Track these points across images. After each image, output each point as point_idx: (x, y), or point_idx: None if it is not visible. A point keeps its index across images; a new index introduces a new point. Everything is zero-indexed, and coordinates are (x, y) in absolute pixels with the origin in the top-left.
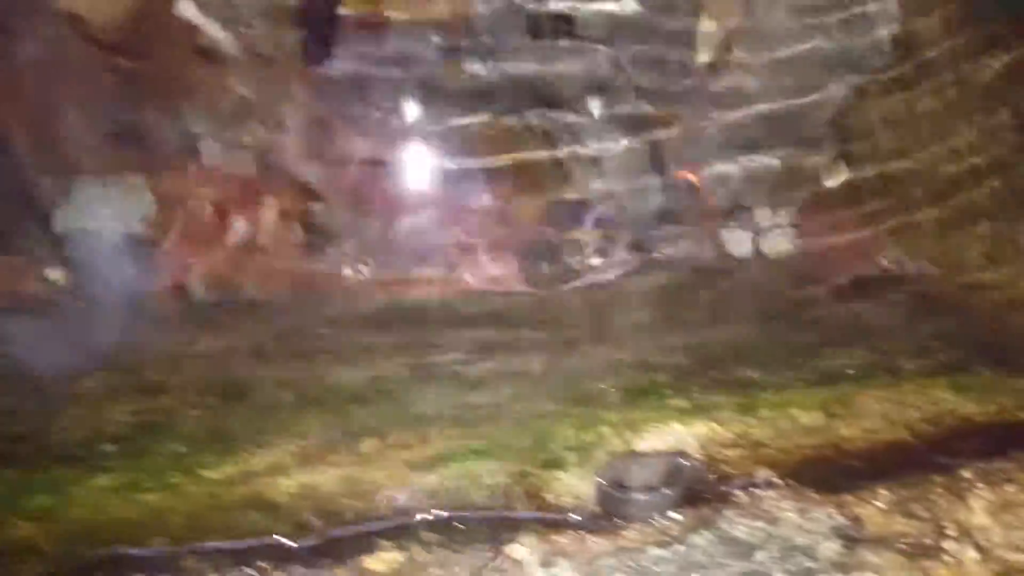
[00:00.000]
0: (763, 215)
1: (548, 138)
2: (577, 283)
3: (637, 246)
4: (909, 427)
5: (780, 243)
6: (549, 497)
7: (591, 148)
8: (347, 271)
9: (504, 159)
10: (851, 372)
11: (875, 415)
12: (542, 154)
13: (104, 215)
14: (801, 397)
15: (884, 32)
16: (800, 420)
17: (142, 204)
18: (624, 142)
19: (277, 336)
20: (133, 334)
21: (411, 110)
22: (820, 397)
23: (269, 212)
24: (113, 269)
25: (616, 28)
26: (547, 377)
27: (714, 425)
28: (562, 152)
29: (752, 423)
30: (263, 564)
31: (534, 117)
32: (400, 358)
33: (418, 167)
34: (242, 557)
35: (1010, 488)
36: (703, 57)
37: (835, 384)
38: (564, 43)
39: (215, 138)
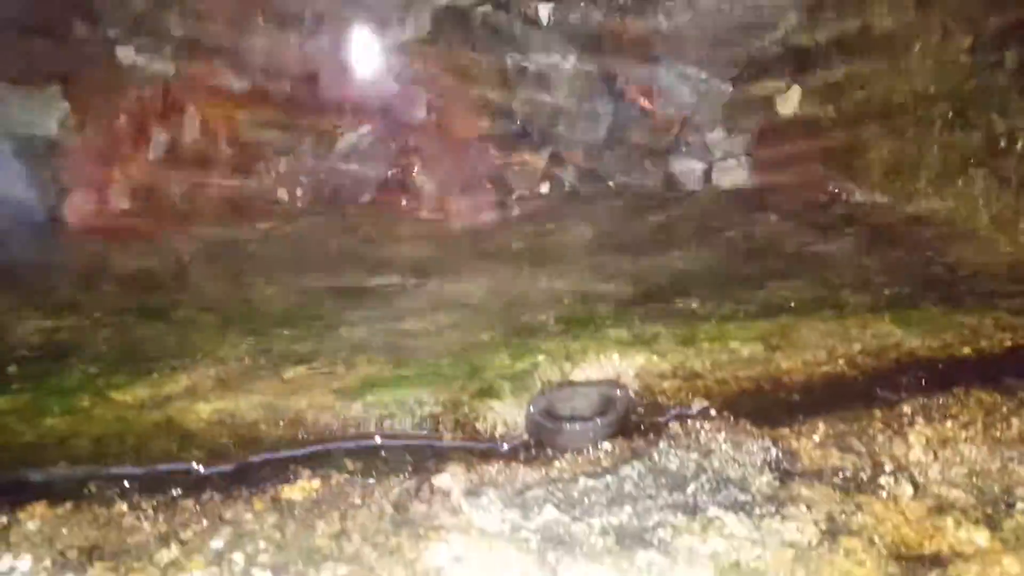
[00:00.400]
0: (716, 142)
1: (494, 50)
2: (521, 208)
3: (585, 170)
4: (850, 360)
5: (733, 172)
6: (480, 426)
7: (539, 62)
8: (277, 188)
9: (447, 72)
10: (794, 305)
11: (816, 348)
12: (487, 66)
13: (14, 122)
14: (742, 329)
15: None
16: (739, 352)
17: (55, 111)
18: (573, 56)
19: (200, 254)
20: (44, 249)
21: (347, 10)
22: (761, 329)
23: (192, 122)
24: (24, 180)
25: None
26: (485, 305)
27: (652, 356)
28: (508, 65)
29: (691, 354)
30: (174, 491)
31: (479, 21)
32: (331, 281)
33: (354, 77)
34: (152, 483)
35: (950, 424)
36: None
37: (777, 316)
38: None
39: (132, 39)
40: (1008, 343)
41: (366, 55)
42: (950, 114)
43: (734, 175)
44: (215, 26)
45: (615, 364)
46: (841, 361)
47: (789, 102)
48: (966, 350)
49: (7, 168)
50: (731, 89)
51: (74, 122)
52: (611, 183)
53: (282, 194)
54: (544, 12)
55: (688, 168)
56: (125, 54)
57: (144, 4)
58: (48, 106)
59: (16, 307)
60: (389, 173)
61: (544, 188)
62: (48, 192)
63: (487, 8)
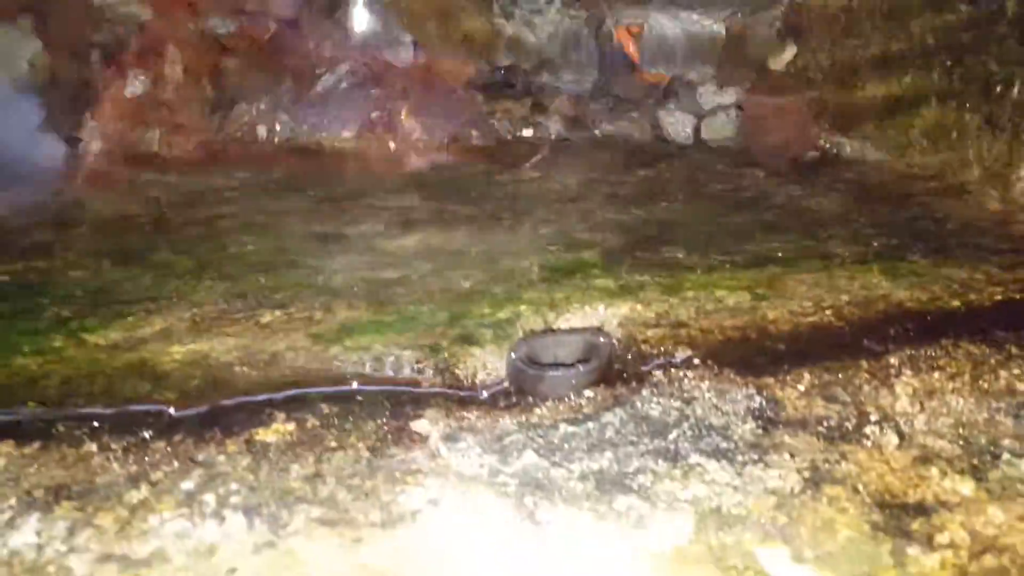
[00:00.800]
0: (707, 93)
1: None
2: (505, 155)
3: (570, 119)
4: (837, 311)
5: (723, 124)
6: (460, 373)
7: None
8: (259, 131)
9: (431, 14)
10: (782, 256)
11: (803, 298)
12: (472, 10)
13: None
14: (728, 279)
15: None
16: (725, 301)
17: (27, 48)
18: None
19: (178, 199)
20: (16, 190)
21: None
22: (748, 279)
23: (173, 64)
24: None
25: None
26: (467, 252)
27: (637, 305)
28: (494, 9)
29: (676, 303)
30: (145, 433)
31: None
32: (311, 227)
33: (337, 21)
34: (122, 424)
35: (937, 375)
36: None
37: (764, 267)
38: None
39: None
40: (998, 297)
41: None
42: (948, 64)
43: (724, 127)
44: None
45: (599, 313)
46: (828, 312)
47: (782, 54)
48: (955, 303)
49: None
50: (724, 32)
51: (48, 60)
52: (597, 132)
53: (262, 134)
54: None
55: (677, 119)
56: None
57: None
58: (21, 42)
59: None
60: (371, 114)
61: (528, 132)
62: (23, 130)
63: None
